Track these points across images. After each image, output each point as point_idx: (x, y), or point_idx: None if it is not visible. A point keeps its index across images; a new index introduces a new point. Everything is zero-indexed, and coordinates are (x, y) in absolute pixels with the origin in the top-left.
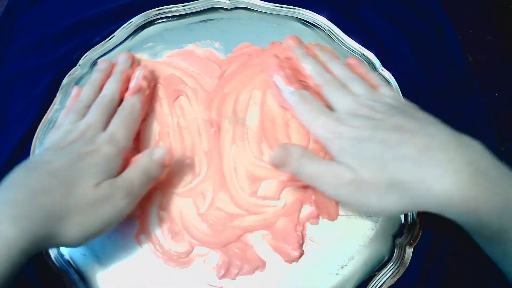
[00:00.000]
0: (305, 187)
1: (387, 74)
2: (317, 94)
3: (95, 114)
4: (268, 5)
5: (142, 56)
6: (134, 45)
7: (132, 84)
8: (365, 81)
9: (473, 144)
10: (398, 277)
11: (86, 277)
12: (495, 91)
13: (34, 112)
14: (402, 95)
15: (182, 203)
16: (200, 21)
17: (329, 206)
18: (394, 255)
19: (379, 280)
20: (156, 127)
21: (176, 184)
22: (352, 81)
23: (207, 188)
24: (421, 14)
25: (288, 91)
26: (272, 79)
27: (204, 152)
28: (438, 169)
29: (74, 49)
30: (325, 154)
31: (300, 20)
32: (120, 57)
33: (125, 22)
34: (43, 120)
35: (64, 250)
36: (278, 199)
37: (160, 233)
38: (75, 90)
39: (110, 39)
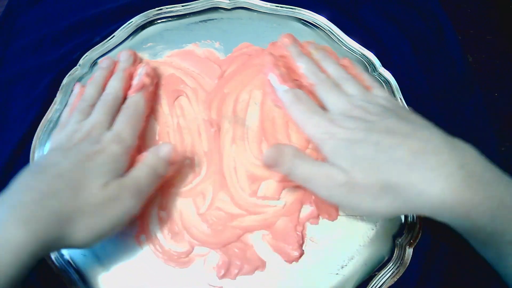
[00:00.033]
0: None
1: (387, 74)
2: (311, 93)
3: (100, 113)
4: (268, 5)
5: (142, 56)
6: (134, 45)
7: (135, 82)
8: (359, 82)
9: (466, 148)
10: (398, 277)
11: (86, 277)
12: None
13: (34, 112)
14: (402, 95)
15: (182, 203)
16: (200, 21)
17: (329, 206)
18: (394, 255)
19: (379, 280)
20: (156, 127)
21: (176, 184)
22: (346, 81)
23: (207, 188)
24: (421, 14)
25: (282, 89)
26: (267, 77)
27: (204, 152)
28: (431, 173)
29: (74, 49)
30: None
31: (300, 20)
32: (122, 55)
33: (125, 22)
34: (43, 120)
35: (64, 250)
36: (278, 199)
37: (160, 233)
38: (77, 87)
39: (110, 39)
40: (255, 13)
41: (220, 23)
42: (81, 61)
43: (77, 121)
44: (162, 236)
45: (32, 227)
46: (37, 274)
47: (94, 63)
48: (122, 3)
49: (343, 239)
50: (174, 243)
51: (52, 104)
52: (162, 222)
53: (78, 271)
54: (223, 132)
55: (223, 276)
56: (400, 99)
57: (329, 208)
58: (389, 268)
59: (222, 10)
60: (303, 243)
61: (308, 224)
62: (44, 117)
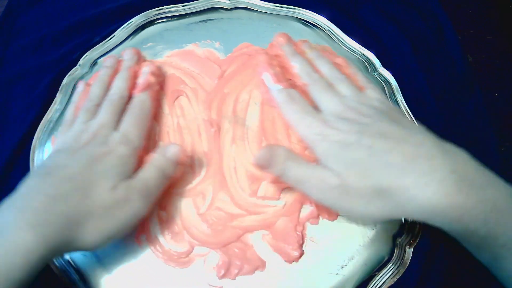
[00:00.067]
0: None
1: (387, 74)
2: (304, 93)
3: (106, 113)
4: (268, 5)
5: None
6: (134, 45)
7: (140, 81)
8: (352, 82)
9: (458, 152)
10: (398, 277)
11: (86, 277)
12: (495, 91)
13: (34, 112)
14: (402, 95)
15: (182, 203)
16: (200, 21)
17: None
18: (394, 255)
19: (379, 280)
20: (156, 127)
21: (176, 184)
22: (339, 82)
23: (207, 188)
24: (421, 14)
25: (276, 89)
26: (261, 77)
27: (204, 152)
28: (424, 177)
29: (74, 49)
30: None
31: (300, 20)
32: (126, 53)
33: (125, 22)
34: (43, 120)
35: None
36: (278, 199)
37: (160, 233)
38: (81, 85)
39: (110, 39)
40: (255, 13)
41: (220, 23)
42: (81, 61)
43: (84, 121)
44: (162, 236)
45: (41, 231)
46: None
47: (94, 63)
48: (122, 3)
49: (343, 239)
50: (174, 243)
51: (52, 104)
52: (162, 222)
53: (78, 270)
54: (223, 132)
55: (223, 276)
56: (400, 100)
57: (329, 208)
58: (389, 268)
59: (222, 10)
60: (303, 243)
61: (308, 224)
62: (44, 117)
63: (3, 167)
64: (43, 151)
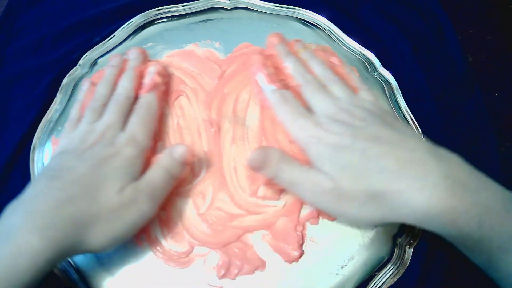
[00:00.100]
0: None
1: (387, 74)
2: (298, 94)
3: (113, 114)
4: (268, 5)
5: None
6: (134, 45)
7: (147, 81)
8: (346, 83)
9: (451, 157)
10: (398, 277)
11: (86, 277)
12: (495, 91)
13: (34, 112)
14: (402, 95)
15: (182, 203)
16: (200, 21)
17: None
18: (394, 255)
19: (379, 280)
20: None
21: (176, 184)
22: (333, 83)
23: (207, 188)
24: (421, 14)
25: (270, 89)
26: (255, 77)
27: (204, 152)
28: (417, 182)
29: (74, 49)
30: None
31: (300, 20)
32: (132, 53)
33: (125, 22)
34: (43, 120)
35: None
36: (278, 199)
37: (160, 233)
38: (86, 83)
39: (110, 39)
40: (255, 13)
41: (220, 23)
42: (81, 61)
43: (90, 121)
44: (162, 236)
45: (48, 234)
46: None
47: (94, 63)
48: (122, 3)
49: (343, 239)
50: (174, 243)
51: (52, 104)
52: (162, 222)
53: (78, 271)
54: (223, 132)
55: (223, 276)
56: (400, 100)
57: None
58: (389, 268)
59: (222, 10)
60: (303, 243)
61: (308, 224)
62: (44, 117)
63: (3, 167)
64: (43, 151)
